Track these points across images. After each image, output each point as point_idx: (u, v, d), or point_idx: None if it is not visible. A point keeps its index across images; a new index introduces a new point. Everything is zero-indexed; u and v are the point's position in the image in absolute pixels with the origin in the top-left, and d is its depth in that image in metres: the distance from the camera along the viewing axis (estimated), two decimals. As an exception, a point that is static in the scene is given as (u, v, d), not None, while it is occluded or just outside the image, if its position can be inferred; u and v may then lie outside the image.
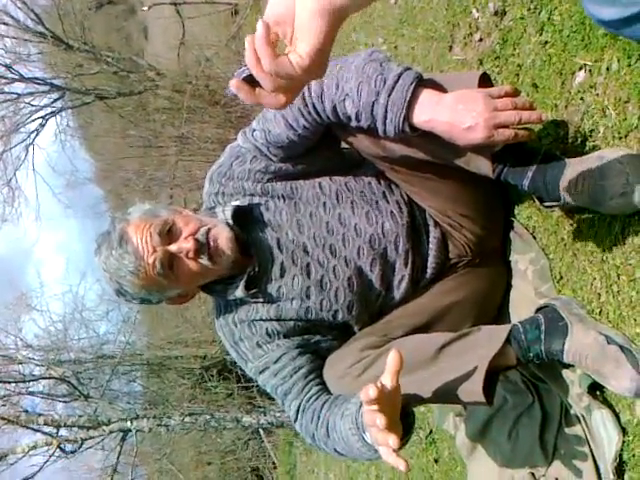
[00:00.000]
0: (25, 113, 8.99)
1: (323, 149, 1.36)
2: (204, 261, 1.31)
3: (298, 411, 1.34)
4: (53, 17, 8.90)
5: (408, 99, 1.09)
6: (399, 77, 1.10)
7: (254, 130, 1.34)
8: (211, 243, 1.31)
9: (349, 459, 1.31)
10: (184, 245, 1.30)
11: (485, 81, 1.24)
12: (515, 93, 1.10)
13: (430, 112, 1.10)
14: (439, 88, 1.14)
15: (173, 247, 1.31)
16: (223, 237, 1.32)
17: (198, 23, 8.36)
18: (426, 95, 1.11)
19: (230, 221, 1.35)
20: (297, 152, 1.33)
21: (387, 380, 1.07)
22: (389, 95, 1.10)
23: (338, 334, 1.43)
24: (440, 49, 2.05)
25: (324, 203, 1.40)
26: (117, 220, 1.35)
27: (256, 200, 1.40)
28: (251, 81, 0.79)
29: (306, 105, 1.19)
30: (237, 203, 1.38)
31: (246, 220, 1.38)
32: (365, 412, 1.07)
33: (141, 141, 8.82)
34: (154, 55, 9.82)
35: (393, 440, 1.01)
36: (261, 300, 1.39)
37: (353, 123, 1.18)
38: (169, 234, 1.31)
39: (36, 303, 10.57)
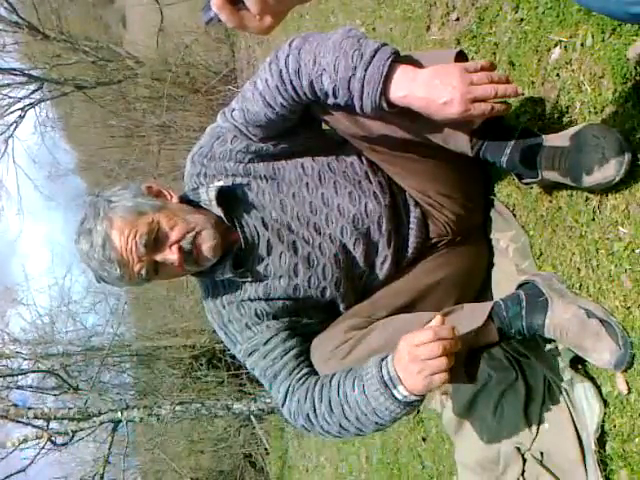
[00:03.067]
0: (3, 105, 8.85)
1: (303, 129, 1.35)
2: (189, 267, 1.34)
3: (287, 393, 1.32)
4: (27, 6, 8.73)
5: (385, 73, 1.08)
6: (376, 52, 1.10)
7: (233, 110, 1.33)
8: (197, 249, 1.32)
9: (350, 434, 1.29)
10: (170, 257, 1.31)
11: (462, 58, 1.24)
12: (491, 67, 1.10)
13: (406, 87, 1.09)
14: (416, 64, 1.13)
15: (159, 257, 1.31)
16: (208, 245, 1.33)
17: (176, 9, 8.26)
18: (402, 70, 1.10)
19: (214, 202, 1.35)
20: (277, 131, 1.32)
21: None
22: (366, 70, 1.09)
23: (325, 317, 1.44)
24: (418, 29, 2.04)
25: (307, 184, 1.40)
26: (99, 217, 1.31)
27: (238, 180, 1.39)
28: (233, 2, 0.75)
29: (283, 82, 1.18)
30: (220, 184, 1.37)
31: (230, 200, 1.38)
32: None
33: (122, 131, 8.75)
34: (133, 43, 9.70)
35: None
36: (249, 279, 1.38)
37: (330, 100, 1.17)
38: (155, 241, 1.30)
39: (22, 297, 10.50)
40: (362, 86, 1.10)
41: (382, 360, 1.15)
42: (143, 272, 1.30)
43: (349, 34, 1.15)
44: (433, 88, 1.08)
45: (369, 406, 1.17)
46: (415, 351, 1.07)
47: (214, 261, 1.35)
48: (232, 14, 0.76)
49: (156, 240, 1.30)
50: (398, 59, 1.12)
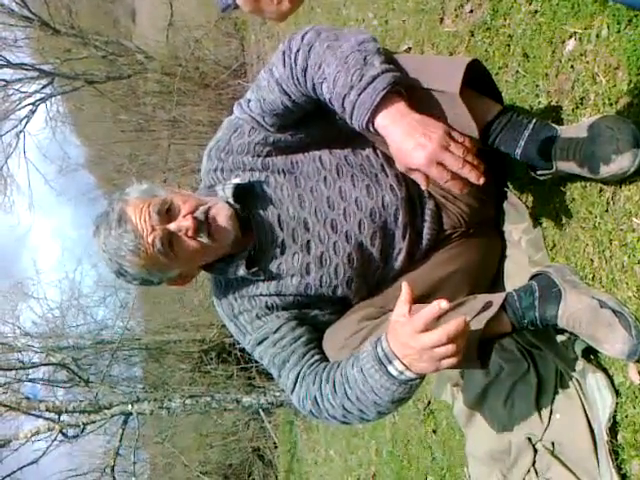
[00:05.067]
0: (14, 100, 8.91)
1: (320, 118, 1.35)
2: (203, 239, 1.31)
3: (297, 379, 1.33)
4: (38, 1, 8.77)
5: (375, 104, 1.10)
6: (374, 79, 1.11)
7: (249, 100, 1.34)
8: (211, 222, 1.32)
9: (355, 418, 1.29)
10: (183, 223, 1.30)
11: (476, 65, 1.25)
12: (473, 147, 1.10)
13: (389, 123, 1.11)
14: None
15: (172, 226, 1.31)
16: (223, 215, 1.32)
17: (186, 4, 8.28)
18: (394, 106, 1.11)
19: (231, 200, 1.35)
20: (293, 120, 1.33)
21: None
22: (359, 95, 1.11)
23: (336, 308, 1.44)
24: (431, 22, 2.04)
25: (325, 177, 1.40)
26: (115, 201, 1.34)
27: (256, 175, 1.40)
28: None
29: (292, 76, 1.21)
30: (237, 180, 1.37)
31: (247, 197, 1.38)
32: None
33: (132, 125, 8.78)
34: (142, 38, 9.72)
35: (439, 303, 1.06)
36: (262, 278, 1.39)
37: (329, 105, 1.19)
38: (168, 213, 1.31)
39: (33, 291, 10.60)
40: (353, 108, 1.13)
41: (377, 339, 1.17)
42: (157, 242, 1.28)
43: (359, 47, 1.16)
44: (412, 130, 1.09)
45: (367, 384, 1.18)
46: (419, 341, 1.08)
47: (232, 233, 1.33)
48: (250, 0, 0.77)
49: (169, 211, 1.31)
50: (396, 89, 1.12)
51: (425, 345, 1.07)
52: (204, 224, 1.31)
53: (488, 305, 1.30)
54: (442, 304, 1.06)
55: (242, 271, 1.36)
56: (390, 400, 1.18)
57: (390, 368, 1.14)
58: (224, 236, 1.33)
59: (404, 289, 1.13)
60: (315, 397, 1.29)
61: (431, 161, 1.07)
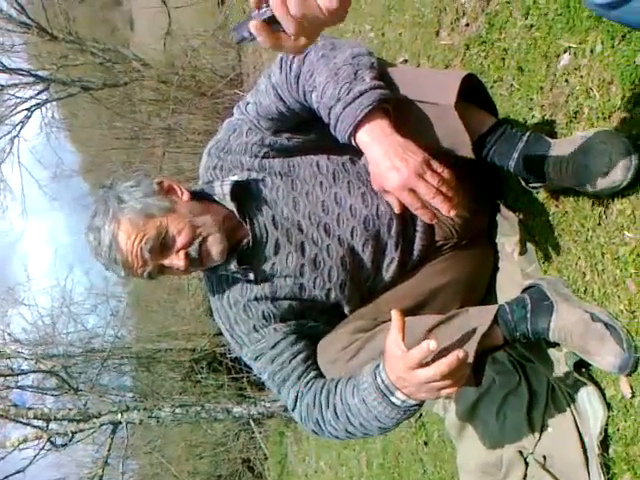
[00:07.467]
0: (10, 105, 8.88)
1: (319, 124, 1.35)
2: (194, 269, 1.36)
3: (297, 399, 1.34)
4: (37, 7, 8.78)
5: (359, 120, 1.11)
6: (361, 94, 1.11)
7: (248, 103, 1.36)
8: (203, 256, 1.33)
9: (358, 437, 1.32)
10: (176, 262, 1.32)
11: (471, 80, 1.25)
12: (450, 179, 1.10)
13: (370, 140, 1.11)
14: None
15: (166, 262, 1.33)
16: (215, 250, 1.33)
17: (184, 13, 8.31)
18: (377, 124, 1.11)
19: (228, 196, 1.36)
20: (289, 124, 1.34)
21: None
22: (344, 108, 1.12)
23: (330, 319, 1.44)
24: (427, 35, 2.06)
25: (321, 182, 1.41)
26: (108, 215, 1.32)
27: (254, 175, 1.40)
28: (269, 23, 0.77)
29: (287, 82, 1.22)
30: (235, 178, 1.38)
31: (243, 195, 1.39)
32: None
33: (127, 133, 8.76)
34: (140, 46, 9.74)
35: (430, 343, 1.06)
36: (255, 278, 1.39)
37: (317, 113, 1.20)
38: (161, 246, 1.32)
39: (23, 297, 10.50)
40: (337, 121, 1.14)
41: (376, 368, 1.18)
42: (146, 275, 1.33)
43: (352, 61, 1.16)
44: (391, 151, 1.09)
45: (370, 413, 1.20)
46: (414, 377, 1.10)
47: (219, 262, 1.36)
48: (269, 36, 0.77)
49: (163, 245, 1.32)
50: (384, 106, 1.12)
51: (420, 380, 1.10)
52: (197, 260, 1.33)
53: (480, 318, 1.30)
54: (431, 345, 1.06)
55: (233, 267, 1.36)
56: (395, 424, 1.22)
57: (393, 399, 1.16)
58: (213, 264, 1.37)
59: (394, 316, 1.13)
60: (317, 420, 1.31)
61: (404, 186, 1.07)
